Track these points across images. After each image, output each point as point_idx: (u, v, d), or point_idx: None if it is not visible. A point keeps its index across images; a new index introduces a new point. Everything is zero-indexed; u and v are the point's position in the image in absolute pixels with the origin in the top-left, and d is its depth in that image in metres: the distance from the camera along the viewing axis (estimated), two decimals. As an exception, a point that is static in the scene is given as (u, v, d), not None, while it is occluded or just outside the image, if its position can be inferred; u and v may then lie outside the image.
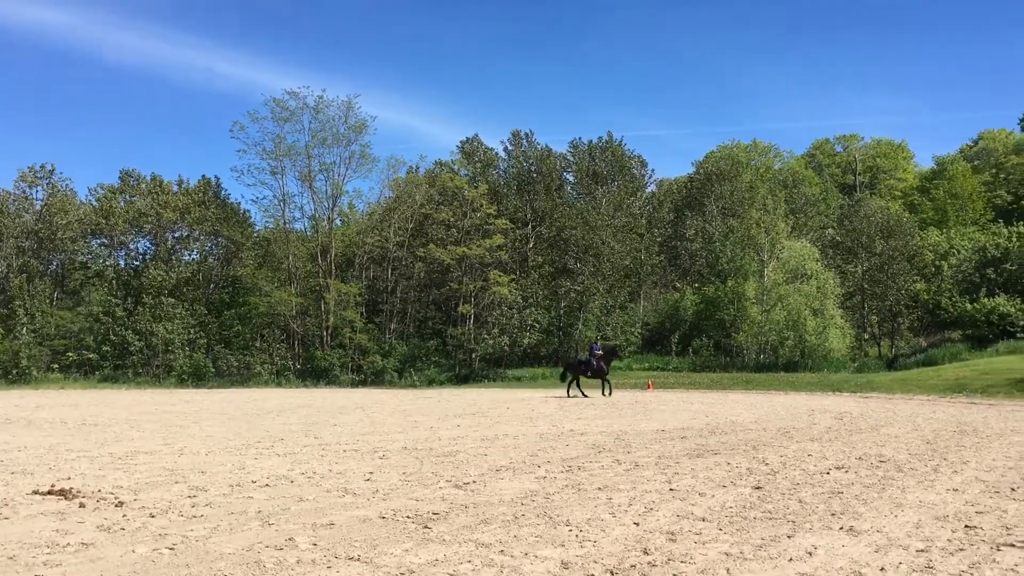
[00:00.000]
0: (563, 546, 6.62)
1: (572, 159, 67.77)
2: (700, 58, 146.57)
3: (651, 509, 8.19)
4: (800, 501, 8.67)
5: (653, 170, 71.36)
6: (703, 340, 51.54)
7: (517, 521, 7.61)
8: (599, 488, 9.49)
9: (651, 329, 58.29)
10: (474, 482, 10.01)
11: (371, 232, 58.75)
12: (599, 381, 33.04)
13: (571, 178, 68.26)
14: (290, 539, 6.82)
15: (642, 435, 16.07)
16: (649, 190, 70.70)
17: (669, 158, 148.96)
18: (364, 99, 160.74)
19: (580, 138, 70.07)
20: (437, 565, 6.05)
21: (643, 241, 60.88)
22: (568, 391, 33.00)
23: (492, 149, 67.33)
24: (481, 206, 54.46)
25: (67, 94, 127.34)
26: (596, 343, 34.95)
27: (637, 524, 7.46)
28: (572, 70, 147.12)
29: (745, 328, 49.00)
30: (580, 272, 54.84)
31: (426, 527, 7.35)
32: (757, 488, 9.49)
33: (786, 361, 46.41)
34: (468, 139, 67.66)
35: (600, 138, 67.32)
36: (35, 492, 9.14)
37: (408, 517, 7.82)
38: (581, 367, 32.88)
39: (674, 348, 53.60)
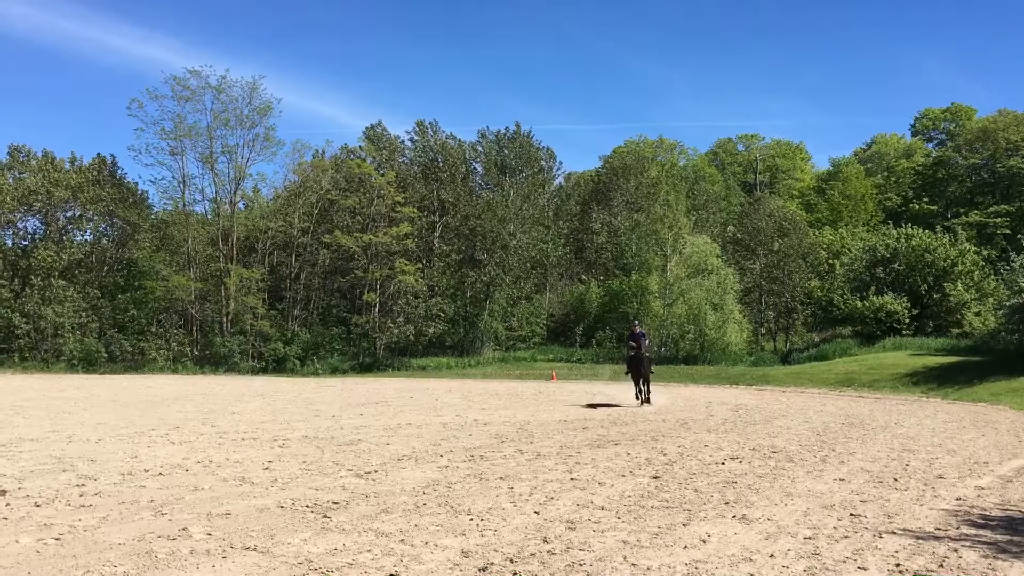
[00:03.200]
0: (463, 535, 6.63)
1: (480, 149, 67.74)
2: (608, 55, 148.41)
3: (552, 498, 8.28)
4: (696, 490, 8.90)
5: (561, 163, 71.98)
6: (607, 332, 52.29)
7: (418, 510, 7.59)
8: (501, 478, 9.54)
9: (556, 321, 58.82)
10: (376, 471, 9.94)
11: (275, 217, 57.53)
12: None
13: (480, 168, 68.20)
14: (184, 529, 6.65)
15: (545, 425, 16.22)
16: (557, 183, 71.25)
17: (577, 152, 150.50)
18: (269, 81, 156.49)
19: (488, 127, 69.94)
20: (336, 555, 5.98)
21: (550, 233, 61.35)
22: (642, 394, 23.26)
23: (398, 137, 66.81)
24: (388, 193, 53.91)
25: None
26: (638, 329, 23.83)
27: (538, 513, 7.53)
28: (480, 60, 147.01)
29: (648, 321, 49.95)
30: (486, 263, 54.91)
31: (326, 516, 7.27)
32: (655, 478, 9.70)
33: (686, 354, 47.47)
34: (372, 125, 66.96)
35: (508, 128, 67.51)
36: (-92, 481, 8.67)
37: (307, 506, 7.72)
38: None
39: (578, 340, 54.28)
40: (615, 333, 52.11)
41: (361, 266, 53.92)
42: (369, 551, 6.08)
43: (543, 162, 68.71)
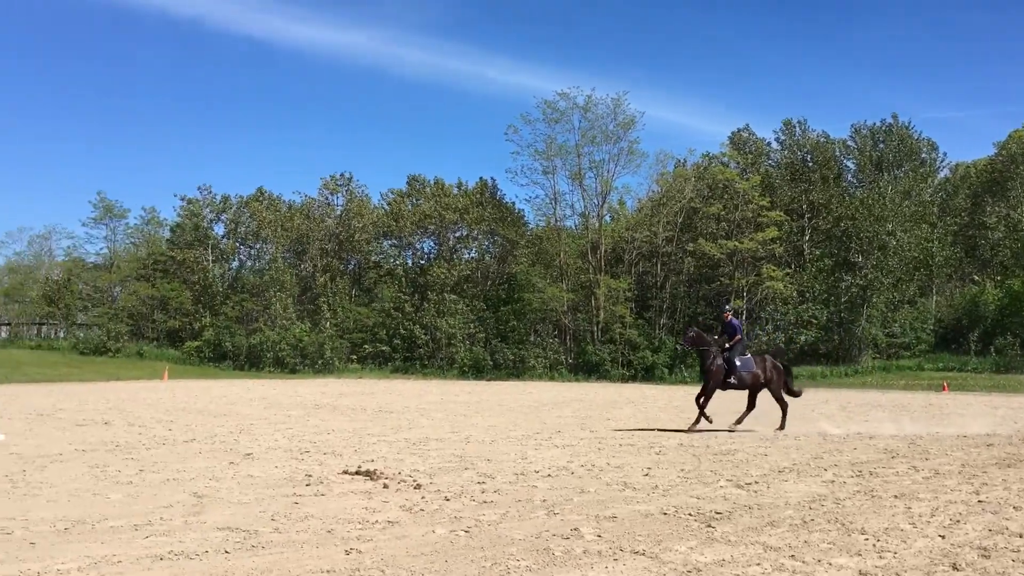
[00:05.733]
0: (859, 555, 6.25)
1: (853, 145, 63.74)
2: (992, 28, 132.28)
3: (957, 521, 7.52)
4: None
5: (945, 154, 65.29)
6: (1008, 339, 46.61)
7: (806, 525, 7.29)
8: (895, 496, 8.86)
9: (945, 326, 53.59)
10: (756, 483, 9.71)
11: (640, 228, 58.83)
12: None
13: (851, 165, 64.24)
14: (575, 529, 6.97)
15: (940, 441, 14.82)
16: (941, 175, 64.95)
17: (965, 140, 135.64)
18: (632, 95, 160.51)
19: (864, 121, 65.17)
20: (724, 566, 5.92)
21: (935, 231, 56.13)
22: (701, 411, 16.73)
23: (763, 139, 64.95)
24: (753, 198, 52.80)
25: (360, 108, 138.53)
26: (729, 317, 17.81)
27: (943, 537, 6.88)
28: (848, 53, 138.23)
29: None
30: (862, 265, 51.58)
31: (709, 526, 7.23)
32: (1086, 505, 8.43)
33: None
34: (738, 130, 65.72)
35: (884, 121, 62.78)
36: (345, 472, 10.03)
37: (690, 515, 7.73)
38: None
39: (973, 347, 48.93)
40: (1019, 339, 46.30)
41: (727, 273, 53.31)
42: (758, 564, 5.95)
43: (924, 154, 63.05)
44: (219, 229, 64.99)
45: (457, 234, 62.31)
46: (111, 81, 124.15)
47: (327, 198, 65.61)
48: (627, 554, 6.19)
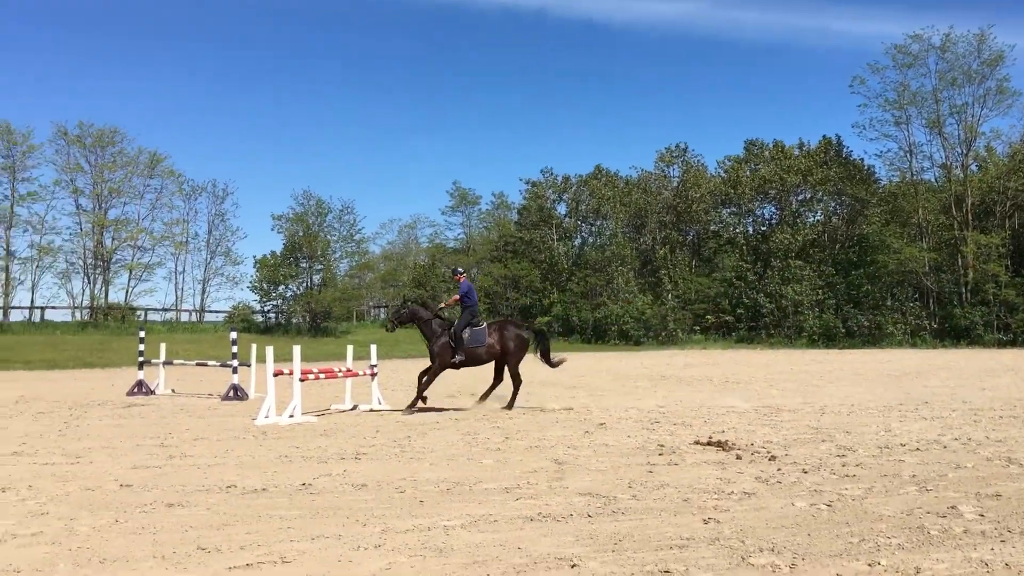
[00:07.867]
0: None
1: None
2: None
3: None
4: None
5: None
6: None
7: None
8: None
9: None
10: None
11: (1015, 175, 52.46)
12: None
13: None
14: (952, 507, 6.43)
15: None
16: None
17: None
18: (999, 28, 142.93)
19: None
20: None
21: None
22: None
23: None
24: None
25: (693, 77, 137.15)
26: (463, 279, 15.06)
27: None
28: None
29: None
30: None
31: (1120, 509, 6.32)
32: None
33: None
34: None
35: None
36: (696, 442, 10.06)
37: (1094, 496, 6.81)
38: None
39: None
40: None
41: None
42: None
43: None
44: (561, 209, 67.92)
45: (800, 197, 59.74)
46: (461, 78, 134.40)
47: (663, 170, 65.95)
48: (1016, 536, 5.59)
